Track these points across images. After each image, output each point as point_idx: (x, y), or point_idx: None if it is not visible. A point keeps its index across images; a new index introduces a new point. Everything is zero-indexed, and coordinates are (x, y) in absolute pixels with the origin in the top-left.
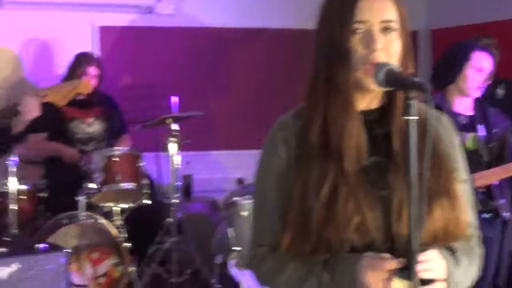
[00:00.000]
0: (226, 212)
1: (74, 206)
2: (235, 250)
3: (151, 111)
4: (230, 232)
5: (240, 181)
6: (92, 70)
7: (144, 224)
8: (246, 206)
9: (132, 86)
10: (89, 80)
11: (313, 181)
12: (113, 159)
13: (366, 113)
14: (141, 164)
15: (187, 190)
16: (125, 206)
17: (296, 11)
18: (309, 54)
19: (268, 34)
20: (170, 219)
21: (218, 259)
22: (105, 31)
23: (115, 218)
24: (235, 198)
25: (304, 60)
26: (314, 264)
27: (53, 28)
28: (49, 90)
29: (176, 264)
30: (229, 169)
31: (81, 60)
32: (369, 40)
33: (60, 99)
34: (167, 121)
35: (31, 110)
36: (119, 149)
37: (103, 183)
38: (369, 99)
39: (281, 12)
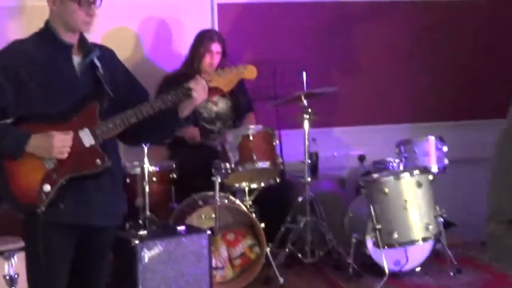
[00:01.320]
0: (366, 190)
1: (204, 186)
2: (375, 229)
3: (273, 88)
4: (371, 210)
5: (361, 158)
6: (215, 47)
7: (272, 204)
8: (388, 183)
9: (254, 63)
10: (254, 67)
11: None
12: (249, 137)
13: None
14: (275, 142)
15: (314, 168)
16: (256, 185)
17: None
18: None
19: (397, 7)
20: (300, 198)
21: (354, 238)
22: (224, 8)
23: (245, 198)
24: (375, 175)
25: (436, 33)
26: None
27: (171, 6)
28: (215, 75)
29: (310, 244)
30: (350, 146)
31: (204, 37)
32: None
33: (224, 84)
34: (301, 98)
35: (203, 95)
36: (254, 128)
37: (239, 162)
38: None
39: None
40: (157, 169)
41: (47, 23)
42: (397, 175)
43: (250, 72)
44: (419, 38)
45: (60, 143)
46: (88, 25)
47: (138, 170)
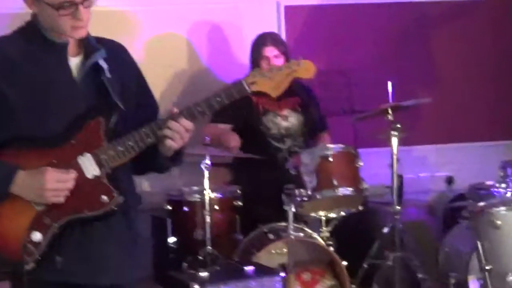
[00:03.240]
0: (471, 222)
1: (273, 215)
2: (484, 269)
3: (348, 100)
4: (479, 246)
5: (449, 180)
6: (269, 51)
7: (352, 235)
8: (500, 215)
9: (326, 73)
10: (311, 62)
11: None
12: (328, 159)
13: None
14: (359, 164)
15: (398, 193)
16: (335, 215)
17: None
18: None
19: (484, 5)
20: (386, 229)
21: (452, 278)
22: (292, 11)
23: (321, 228)
24: (482, 204)
25: None
26: None
27: (230, 10)
28: (258, 76)
29: (400, 283)
30: (436, 166)
31: (256, 44)
32: None
33: (272, 87)
34: (388, 111)
35: (180, 141)
36: (334, 147)
37: (317, 188)
38: None
39: None
40: (220, 195)
41: (32, 16)
42: (510, 204)
43: (305, 70)
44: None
45: (55, 184)
46: (80, 31)
47: (197, 197)
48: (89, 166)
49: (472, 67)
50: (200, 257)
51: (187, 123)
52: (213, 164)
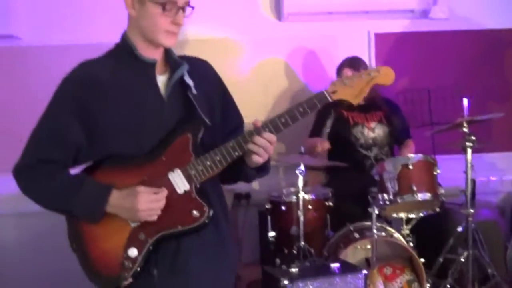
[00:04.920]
0: None
1: (360, 215)
2: None
3: (428, 114)
4: None
5: None
6: (347, 72)
7: (429, 232)
8: None
9: (409, 90)
10: (390, 68)
11: None
12: (408, 167)
13: None
14: (437, 172)
15: (471, 196)
16: (415, 215)
17: None
18: None
19: None
20: (460, 228)
21: None
22: (381, 38)
23: (402, 227)
24: None
25: None
26: None
27: (326, 38)
28: (339, 85)
29: (472, 278)
30: (504, 171)
31: (339, 67)
32: None
33: (353, 95)
34: (463, 124)
35: (265, 156)
36: (414, 156)
37: (398, 193)
38: None
39: None
40: (313, 197)
41: (123, 36)
42: None
43: (385, 76)
44: None
45: (147, 205)
46: (172, 38)
47: (293, 197)
48: (180, 182)
49: None
50: (294, 251)
51: (270, 137)
52: (310, 168)
